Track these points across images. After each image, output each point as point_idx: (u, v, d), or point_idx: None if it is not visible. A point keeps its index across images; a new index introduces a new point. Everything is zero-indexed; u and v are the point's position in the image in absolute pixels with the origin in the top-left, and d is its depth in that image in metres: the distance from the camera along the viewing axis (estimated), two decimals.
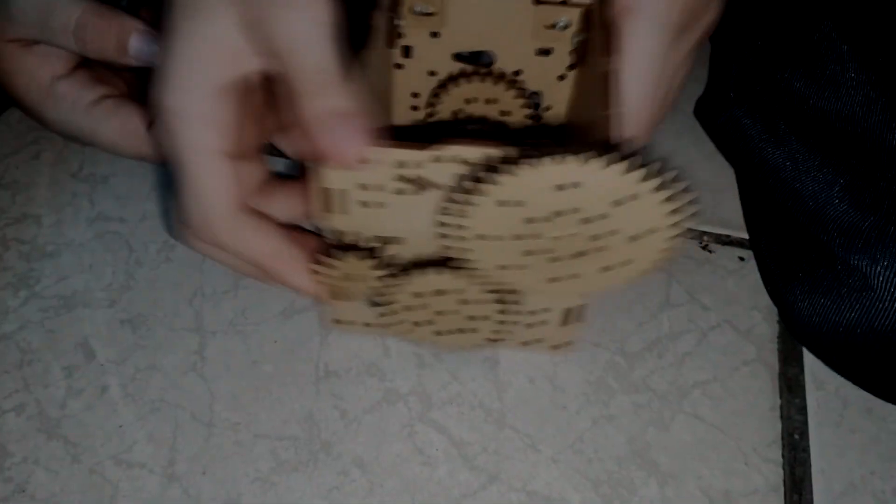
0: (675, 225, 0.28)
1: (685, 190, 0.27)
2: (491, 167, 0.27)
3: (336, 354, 0.37)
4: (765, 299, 0.41)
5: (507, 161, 0.26)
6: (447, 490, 0.33)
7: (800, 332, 0.38)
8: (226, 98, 0.30)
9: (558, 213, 0.28)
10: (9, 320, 0.37)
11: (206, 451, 0.34)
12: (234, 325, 0.38)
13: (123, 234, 0.41)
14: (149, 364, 0.36)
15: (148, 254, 0.40)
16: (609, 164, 0.26)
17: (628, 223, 0.28)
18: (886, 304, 0.34)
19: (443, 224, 0.29)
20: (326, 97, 0.27)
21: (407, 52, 0.41)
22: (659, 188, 0.27)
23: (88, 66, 0.40)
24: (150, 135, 0.38)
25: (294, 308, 0.39)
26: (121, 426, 0.34)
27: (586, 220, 0.28)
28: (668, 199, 0.27)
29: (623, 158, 0.26)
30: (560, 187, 0.27)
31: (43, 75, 0.39)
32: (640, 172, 0.26)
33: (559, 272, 0.30)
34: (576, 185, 0.27)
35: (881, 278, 0.34)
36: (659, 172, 0.26)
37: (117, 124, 0.38)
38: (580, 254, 0.29)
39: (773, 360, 0.38)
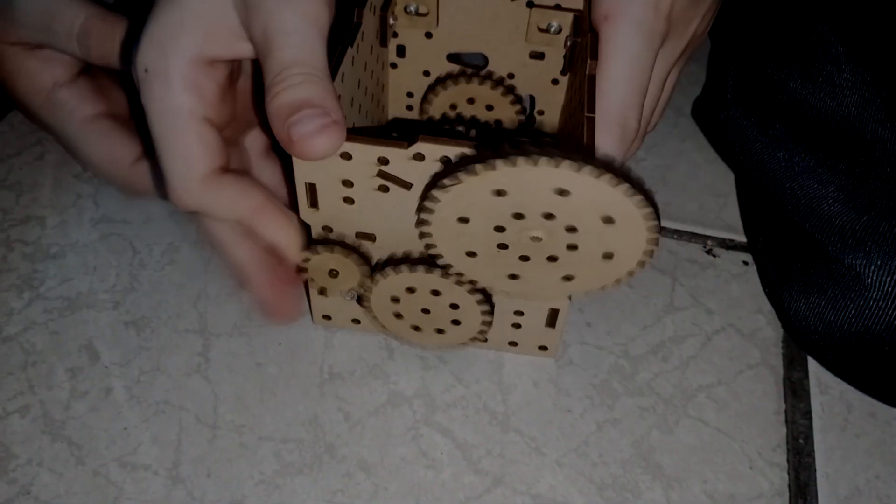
0: (647, 252, 0.28)
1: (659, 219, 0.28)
2: (501, 155, 0.27)
3: (340, 357, 0.37)
4: (769, 303, 0.41)
5: (509, 154, 0.26)
6: (452, 493, 0.33)
7: (796, 332, 0.38)
8: (210, 71, 0.30)
9: (548, 216, 0.28)
10: (13, 322, 0.37)
11: (211, 453, 0.34)
12: (238, 328, 0.38)
13: (127, 236, 0.41)
14: (153, 366, 0.36)
15: (152, 256, 0.40)
16: (615, 182, 0.26)
17: (609, 242, 0.28)
18: (880, 303, 0.35)
19: (431, 199, 0.29)
20: (298, 89, 0.27)
21: (401, 51, 0.41)
22: (648, 217, 0.27)
23: (91, 73, 0.40)
24: (135, 169, 0.38)
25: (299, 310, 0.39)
26: (125, 428, 0.34)
27: (571, 230, 0.28)
28: (652, 227, 0.27)
29: (622, 178, 0.26)
30: (561, 192, 0.27)
31: (44, 80, 0.39)
32: (639, 199, 0.26)
33: (522, 271, 0.30)
34: (574, 192, 0.27)
35: (874, 277, 0.35)
36: (649, 199, 0.27)
37: (105, 149, 0.38)
38: (552, 258, 0.30)
39: (778, 364, 0.38)
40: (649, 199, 0.27)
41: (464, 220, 0.29)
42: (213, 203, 0.31)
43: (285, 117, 0.27)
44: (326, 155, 0.27)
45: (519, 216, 0.28)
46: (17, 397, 0.35)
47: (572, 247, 0.29)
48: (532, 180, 0.27)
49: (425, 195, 0.29)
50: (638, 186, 0.27)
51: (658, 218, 0.27)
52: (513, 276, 0.31)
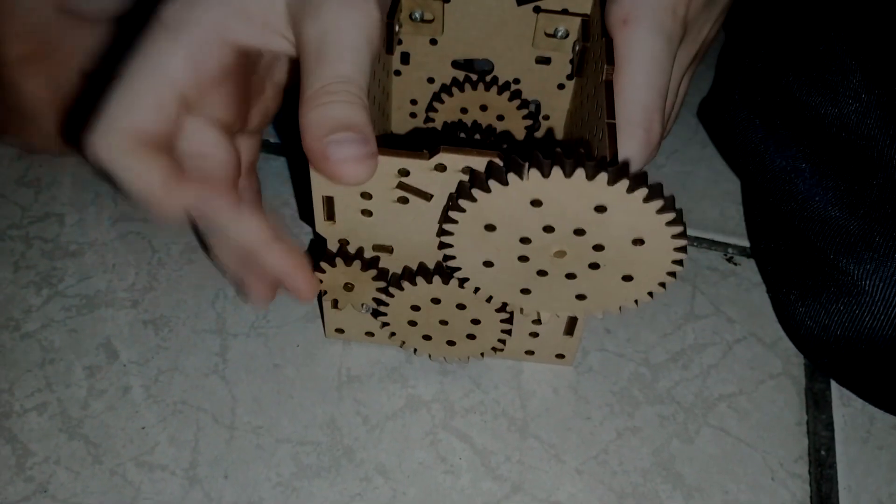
0: (671, 272, 0.28)
1: (673, 201, 0.27)
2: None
3: (358, 359, 0.37)
4: None
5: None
6: (470, 499, 0.33)
7: (795, 335, 0.38)
8: (224, 53, 0.29)
9: (579, 232, 0.27)
10: (31, 319, 0.37)
11: (228, 454, 0.33)
12: (256, 328, 0.38)
13: (146, 235, 0.41)
14: (171, 365, 0.36)
15: (170, 255, 0.40)
16: (648, 197, 0.26)
17: (633, 264, 0.28)
18: (872, 307, 0.35)
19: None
20: (347, 108, 0.26)
21: (405, 58, 0.41)
22: (677, 237, 0.27)
23: None
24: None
25: (316, 312, 0.38)
26: (143, 427, 0.34)
27: (598, 248, 0.28)
28: (679, 247, 0.27)
29: (657, 194, 0.26)
30: (598, 208, 0.26)
31: None
32: (670, 216, 0.26)
33: (536, 286, 0.30)
34: (610, 208, 0.26)
35: (867, 282, 0.35)
36: (679, 218, 0.26)
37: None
38: (570, 276, 0.29)
39: (800, 374, 0.38)
40: (680, 219, 0.26)
41: (490, 228, 0.28)
42: (122, 165, 0.28)
43: (326, 132, 0.26)
44: (356, 184, 0.27)
45: (549, 229, 0.28)
46: (35, 394, 0.35)
47: (594, 266, 0.28)
48: (568, 193, 0.26)
49: (452, 200, 0.28)
50: (670, 204, 0.26)
51: (685, 236, 0.27)
52: (525, 291, 0.30)
